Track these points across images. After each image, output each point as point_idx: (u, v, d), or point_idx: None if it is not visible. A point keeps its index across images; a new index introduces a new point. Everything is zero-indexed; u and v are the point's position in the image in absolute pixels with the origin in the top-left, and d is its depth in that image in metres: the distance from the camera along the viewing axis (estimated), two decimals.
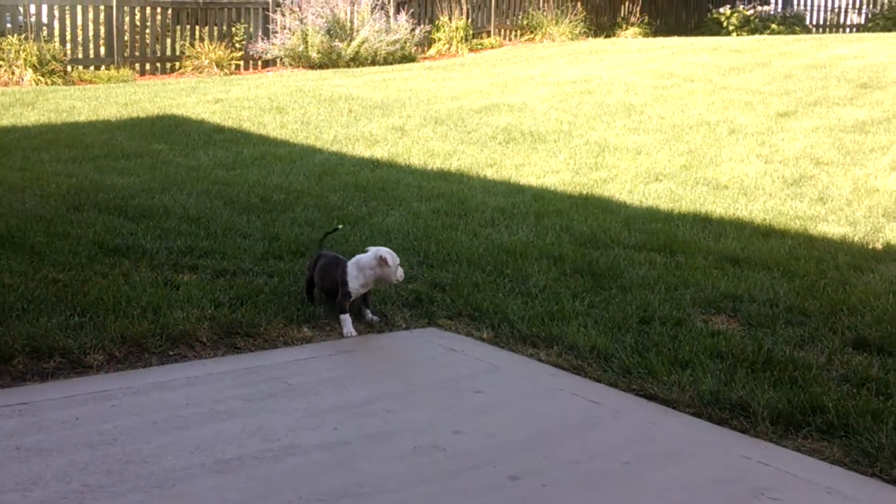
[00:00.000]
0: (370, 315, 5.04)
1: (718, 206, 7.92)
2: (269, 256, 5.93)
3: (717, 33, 23.25)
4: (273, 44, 18.33)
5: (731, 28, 23.67)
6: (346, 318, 4.86)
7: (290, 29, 18.26)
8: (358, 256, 4.93)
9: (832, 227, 7.30)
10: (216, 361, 4.44)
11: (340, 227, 5.34)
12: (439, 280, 5.61)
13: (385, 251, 4.88)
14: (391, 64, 18.52)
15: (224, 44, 18.18)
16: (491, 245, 6.39)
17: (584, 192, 8.43)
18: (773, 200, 8.22)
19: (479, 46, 21.02)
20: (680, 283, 5.73)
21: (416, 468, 3.46)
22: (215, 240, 6.24)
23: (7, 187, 7.63)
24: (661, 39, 21.00)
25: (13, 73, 15.61)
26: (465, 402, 4.14)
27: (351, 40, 18.34)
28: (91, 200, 7.23)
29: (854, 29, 24.76)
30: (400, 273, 4.95)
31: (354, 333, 4.83)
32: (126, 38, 17.58)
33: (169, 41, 18.20)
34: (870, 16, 24.80)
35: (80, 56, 17.11)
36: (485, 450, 3.64)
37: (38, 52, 15.73)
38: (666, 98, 13.16)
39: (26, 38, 15.96)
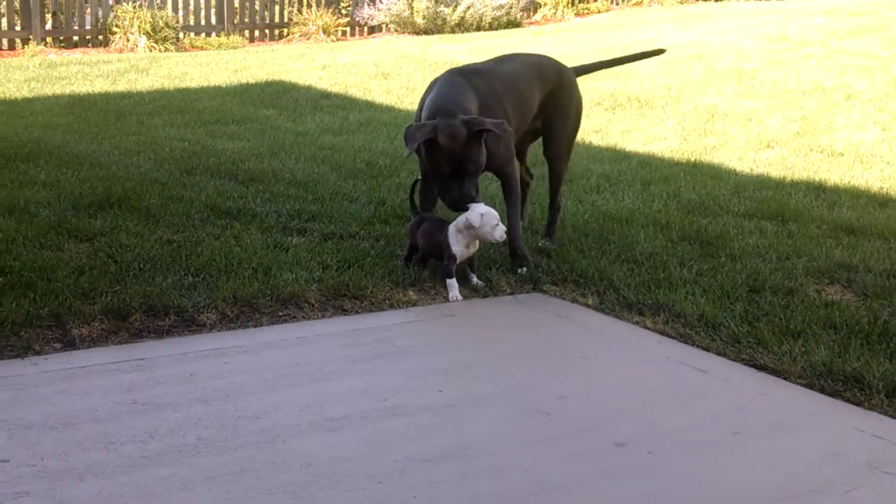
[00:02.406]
0: (475, 280, 5.04)
1: (833, 174, 7.68)
2: (375, 221, 5.98)
3: None
4: (379, 9, 18.40)
5: None
6: (453, 283, 4.87)
7: None
8: (458, 217, 4.91)
9: None
10: (324, 322, 4.52)
11: (418, 178, 5.37)
12: (544, 246, 5.59)
13: (473, 215, 4.79)
14: (496, 29, 18.41)
15: (331, 10, 18.33)
16: (596, 211, 6.33)
17: (693, 159, 8.27)
18: (890, 168, 7.93)
19: (586, 11, 20.72)
20: (792, 252, 5.59)
21: (520, 432, 3.47)
22: (323, 204, 6.33)
23: (123, 151, 7.87)
24: (774, 3, 20.38)
25: (128, 40, 16.06)
26: (570, 367, 4.13)
27: (456, 5, 18.29)
28: (203, 164, 7.40)
29: None
30: (499, 232, 4.84)
31: (460, 298, 4.84)
32: (236, 4, 17.86)
33: (277, 8, 18.42)
34: None
35: (192, 23, 17.46)
36: (590, 415, 3.63)
37: (151, 20, 16.13)
38: (779, 63, 12.78)
39: (140, 6, 16.38)
